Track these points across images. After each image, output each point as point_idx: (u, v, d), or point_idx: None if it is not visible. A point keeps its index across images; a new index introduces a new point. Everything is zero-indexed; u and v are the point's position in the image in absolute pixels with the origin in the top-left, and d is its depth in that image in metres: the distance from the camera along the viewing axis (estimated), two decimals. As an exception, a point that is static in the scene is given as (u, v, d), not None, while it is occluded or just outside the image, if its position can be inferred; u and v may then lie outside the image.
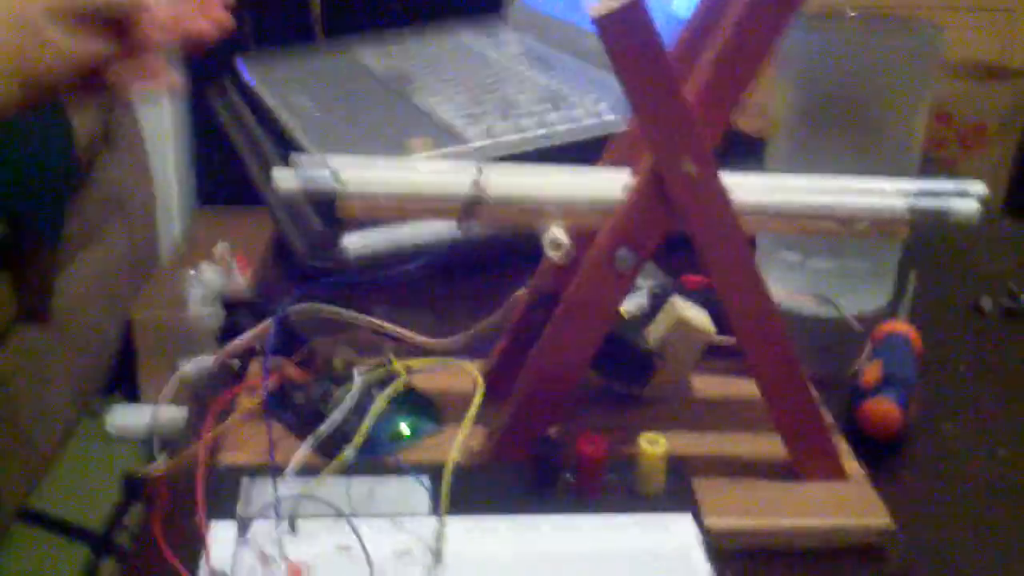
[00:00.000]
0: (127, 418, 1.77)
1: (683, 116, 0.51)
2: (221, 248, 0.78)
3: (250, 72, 1.09)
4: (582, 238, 0.54)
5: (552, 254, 0.53)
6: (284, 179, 0.54)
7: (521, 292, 0.63)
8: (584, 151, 0.81)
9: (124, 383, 1.83)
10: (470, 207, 0.54)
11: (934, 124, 0.76)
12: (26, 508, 1.56)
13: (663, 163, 0.52)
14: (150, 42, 0.59)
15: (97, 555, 1.50)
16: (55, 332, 1.62)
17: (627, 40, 0.49)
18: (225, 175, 1.10)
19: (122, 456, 1.69)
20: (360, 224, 0.79)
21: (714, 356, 0.62)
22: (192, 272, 0.75)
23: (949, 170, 1.09)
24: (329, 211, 0.55)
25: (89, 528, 1.55)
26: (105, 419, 1.77)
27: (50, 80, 0.57)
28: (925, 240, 0.57)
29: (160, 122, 2.09)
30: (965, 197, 0.56)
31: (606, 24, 0.49)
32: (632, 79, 0.51)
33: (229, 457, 0.56)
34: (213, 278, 0.77)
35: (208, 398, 0.59)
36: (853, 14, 0.78)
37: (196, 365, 0.64)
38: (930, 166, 0.76)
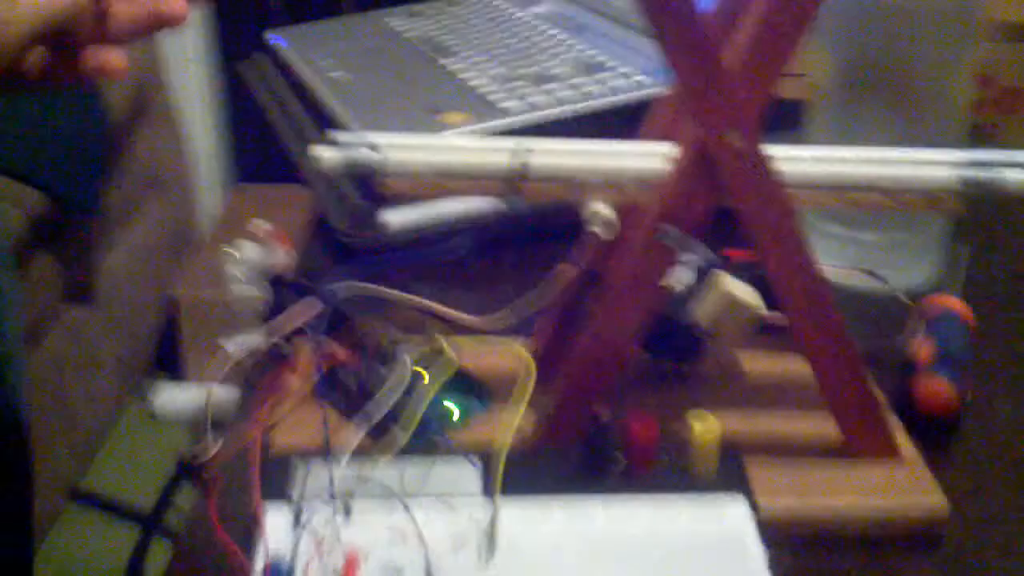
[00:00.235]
0: (174, 398, 1.79)
1: (727, 87, 0.51)
2: (261, 224, 0.78)
3: (283, 46, 1.09)
4: (627, 215, 0.54)
5: (597, 230, 0.53)
6: (324, 156, 0.53)
7: (565, 266, 0.62)
8: (622, 119, 0.80)
9: (169, 363, 1.84)
10: (512, 184, 0.54)
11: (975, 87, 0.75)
12: (76, 488, 1.57)
13: (707, 136, 0.51)
14: (120, 30, 0.57)
15: (147, 534, 1.52)
16: (99, 312, 1.63)
17: (666, 11, 0.49)
18: (264, 152, 1.10)
19: (169, 436, 1.71)
20: (399, 199, 0.79)
21: (763, 332, 0.61)
22: (232, 249, 0.75)
23: (988, 134, 1.08)
24: (368, 187, 0.55)
25: (139, 508, 1.56)
26: (152, 399, 1.78)
27: (15, 40, 0.53)
28: (974, 211, 0.56)
29: (194, 98, 2.09)
30: (1017, 168, 0.55)
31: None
32: (673, 51, 0.50)
33: (281, 440, 0.56)
34: (253, 255, 0.76)
35: (258, 380, 0.59)
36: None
37: (243, 345, 0.64)
38: (972, 132, 0.74)
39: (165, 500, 1.55)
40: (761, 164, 0.52)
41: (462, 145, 0.56)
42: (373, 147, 0.53)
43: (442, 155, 0.54)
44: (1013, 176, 0.54)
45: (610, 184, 0.54)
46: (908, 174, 0.55)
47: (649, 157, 0.54)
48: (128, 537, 1.52)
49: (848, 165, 0.55)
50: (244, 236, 0.76)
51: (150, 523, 1.53)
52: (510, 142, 0.54)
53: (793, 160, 0.54)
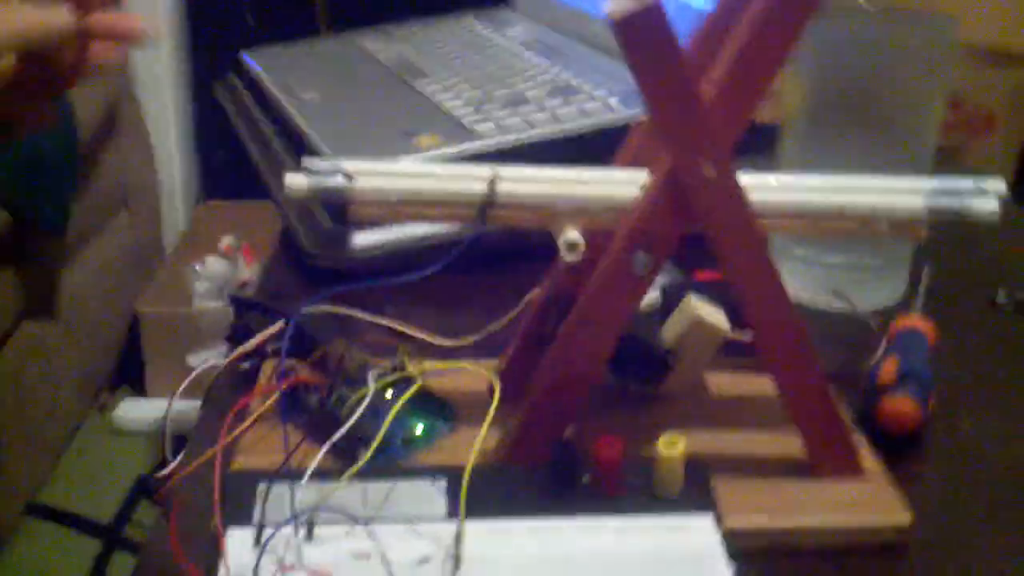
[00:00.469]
0: (136, 412, 1.77)
1: (701, 120, 0.51)
2: (227, 241, 0.78)
3: (256, 66, 1.08)
4: (598, 238, 0.54)
5: (567, 255, 0.53)
6: (296, 183, 0.53)
7: (535, 293, 0.62)
8: (595, 143, 0.80)
9: (131, 377, 1.83)
10: (484, 210, 0.54)
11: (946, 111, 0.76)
12: (35, 502, 1.56)
13: (680, 165, 0.51)
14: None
15: (106, 549, 1.50)
16: (61, 326, 1.62)
17: (645, 43, 0.49)
18: (233, 169, 1.09)
19: (129, 450, 1.69)
20: (369, 223, 0.78)
21: (730, 353, 0.62)
22: (197, 265, 0.75)
23: (956, 157, 1.09)
24: (339, 210, 0.55)
25: (98, 522, 1.55)
26: (113, 413, 1.77)
27: None
28: (939, 234, 0.57)
29: (164, 114, 2.08)
30: (984, 195, 0.55)
31: (623, 27, 0.48)
32: (650, 82, 0.50)
33: (244, 461, 0.56)
34: (218, 272, 0.76)
35: (222, 399, 0.59)
36: (868, 5, 0.77)
37: (207, 361, 0.64)
38: (938, 154, 0.75)
39: (125, 515, 1.53)
40: (733, 193, 0.52)
41: (432, 172, 0.55)
42: (343, 174, 0.53)
43: (412, 182, 0.54)
44: (979, 205, 0.55)
45: (582, 212, 0.54)
46: (876, 203, 0.55)
47: (620, 185, 0.54)
48: (87, 551, 1.50)
49: (817, 194, 0.55)
50: (210, 252, 0.76)
51: (110, 537, 1.51)
52: (481, 169, 0.54)
53: (763, 188, 0.54)
